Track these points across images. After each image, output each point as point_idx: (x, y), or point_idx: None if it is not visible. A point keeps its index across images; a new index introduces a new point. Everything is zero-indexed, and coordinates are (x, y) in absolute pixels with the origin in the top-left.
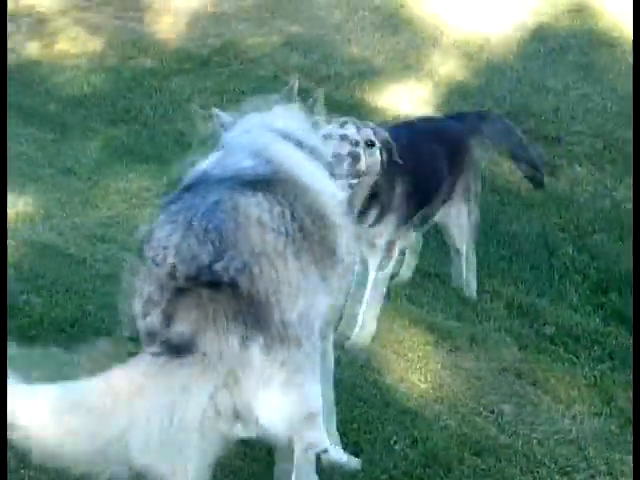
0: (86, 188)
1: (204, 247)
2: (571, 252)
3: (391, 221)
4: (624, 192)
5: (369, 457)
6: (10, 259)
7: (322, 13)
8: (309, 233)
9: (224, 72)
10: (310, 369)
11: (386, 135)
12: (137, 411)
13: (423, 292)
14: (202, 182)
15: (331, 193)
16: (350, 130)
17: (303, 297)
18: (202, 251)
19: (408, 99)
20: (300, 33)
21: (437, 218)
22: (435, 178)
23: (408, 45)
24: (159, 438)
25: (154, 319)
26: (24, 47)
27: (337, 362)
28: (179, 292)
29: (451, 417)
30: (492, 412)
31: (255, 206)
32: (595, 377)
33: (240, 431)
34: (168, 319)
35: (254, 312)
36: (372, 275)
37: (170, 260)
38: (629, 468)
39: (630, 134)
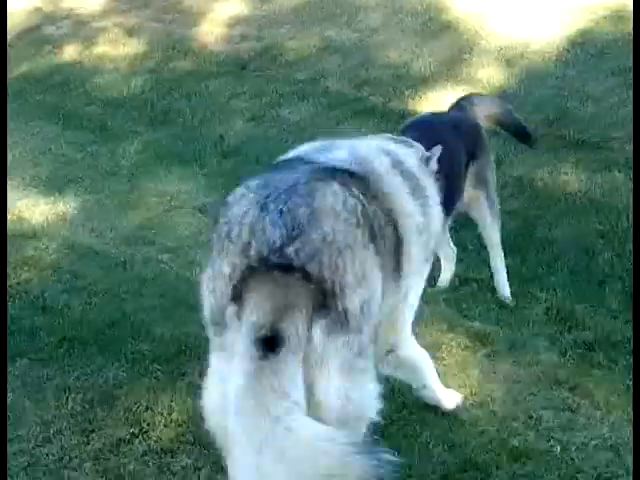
0: (125, 190)
1: (277, 229)
2: (610, 258)
3: None
4: None
5: (407, 461)
6: (49, 260)
7: (361, 17)
8: (379, 234)
9: (263, 75)
10: (368, 362)
11: (422, 148)
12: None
13: (461, 296)
14: (292, 162)
15: (410, 212)
16: None
17: (365, 288)
18: (275, 233)
19: (446, 104)
20: (339, 37)
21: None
22: (461, 173)
23: (447, 50)
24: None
25: (224, 293)
26: (63, 49)
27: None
28: (250, 270)
29: (489, 422)
30: (530, 417)
31: (331, 194)
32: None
33: None
34: (238, 296)
35: (320, 298)
36: None
37: (245, 238)
38: None
39: None
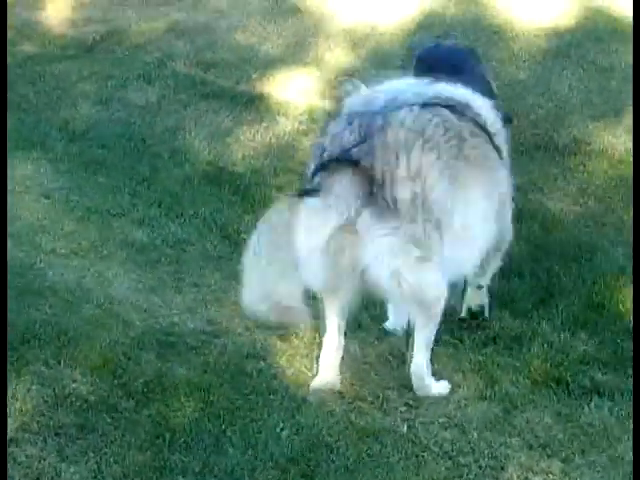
0: None
1: (352, 136)
2: None
3: None
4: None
5: (255, 444)
6: None
7: None
8: (461, 139)
9: (109, 58)
10: (428, 252)
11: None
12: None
13: None
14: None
15: (492, 119)
16: None
17: (420, 184)
18: (349, 139)
19: (293, 86)
20: (185, 19)
21: None
22: None
23: (294, 32)
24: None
25: (308, 178)
26: None
27: (222, 350)
28: (321, 166)
29: (336, 403)
30: (377, 397)
31: (406, 111)
32: (479, 361)
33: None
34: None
35: (368, 187)
36: None
37: (326, 144)
38: (512, 451)
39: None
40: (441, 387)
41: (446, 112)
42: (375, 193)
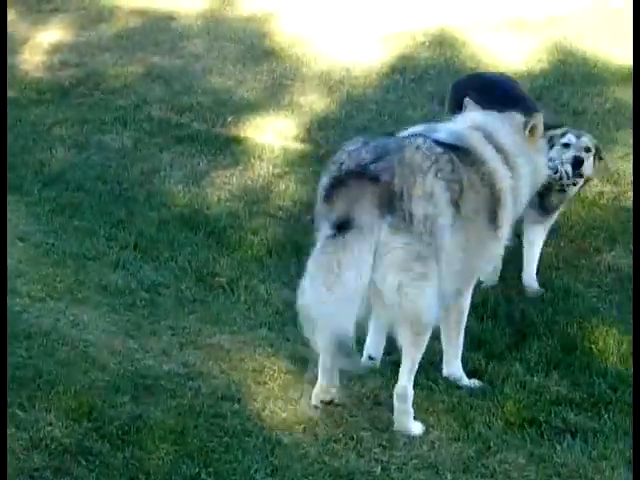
0: None
1: (369, 154)
2: None
3: None
4: None
5: None
6: None
7: (183, 43)
8: (466, 186)
9: (85, 102)
10: (429, 272)
11: (597, 142)
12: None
13: (285, 320)
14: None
15: (502, 175)
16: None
17: (431, 205)
18: (366, 156)
19: (269, 129)
20: (161, 63)
21: None
22: None
23: (269, 76)
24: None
25: (321, 196)
26: None
27: (197, 392)
28: (337, 179)
29: (311, 445)
30: (351, 439)
31: (421, 141)
32: (453, 403)
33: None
34: (329, 197)
35: (388, 197)
36: None
37: (342, 159)
38: None
39: None
40: (415, 428)
41: (457, 155)
42: (394, 205)
